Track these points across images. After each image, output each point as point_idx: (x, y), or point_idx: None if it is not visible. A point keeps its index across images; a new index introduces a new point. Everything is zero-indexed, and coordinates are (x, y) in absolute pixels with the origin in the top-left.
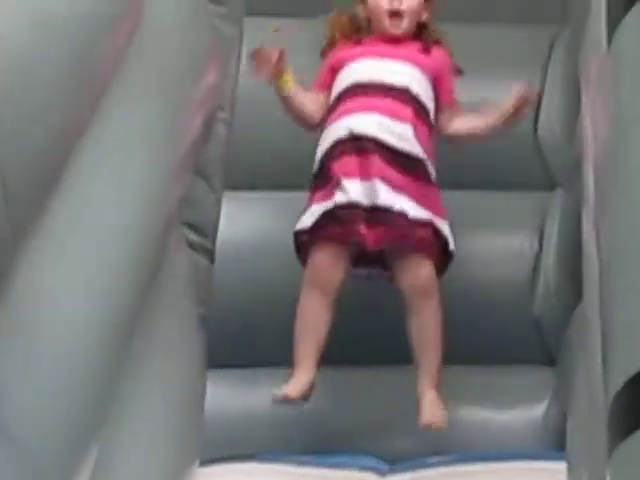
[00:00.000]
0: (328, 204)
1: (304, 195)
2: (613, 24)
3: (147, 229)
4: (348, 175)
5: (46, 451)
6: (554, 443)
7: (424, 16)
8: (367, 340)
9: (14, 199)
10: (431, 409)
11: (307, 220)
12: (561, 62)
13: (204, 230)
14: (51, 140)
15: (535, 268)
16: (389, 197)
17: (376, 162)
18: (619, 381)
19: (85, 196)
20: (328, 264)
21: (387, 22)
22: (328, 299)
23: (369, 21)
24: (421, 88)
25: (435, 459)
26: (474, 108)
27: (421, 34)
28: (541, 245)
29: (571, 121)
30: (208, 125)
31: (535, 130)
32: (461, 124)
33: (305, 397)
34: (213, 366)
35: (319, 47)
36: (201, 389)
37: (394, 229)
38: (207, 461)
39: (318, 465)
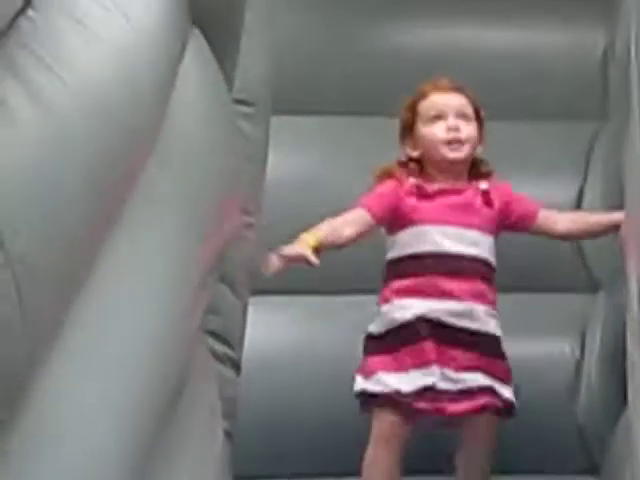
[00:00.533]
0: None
1: (331, 300)
2: None
3: (172, 344)
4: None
5: None
6: None
7: (479, 149)
8: None
9: (30, 314)
10: None
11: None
12: (603, 161)
13: (229, 339)
14: (71, 250)
15: (577, 374)
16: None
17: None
18: None
19: (106, 311)
20: (398, 422)
21: (445, 149)
22: (396, 455)
23: (421, 164)
24: (490, 252)
25: None
26: None
27: (475, 172)
28: (583, 350)
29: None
30: (235, 232)
31: None
32: (568, 219)
33: None
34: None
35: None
36: None
37: (474, 402)
38: None
39: None
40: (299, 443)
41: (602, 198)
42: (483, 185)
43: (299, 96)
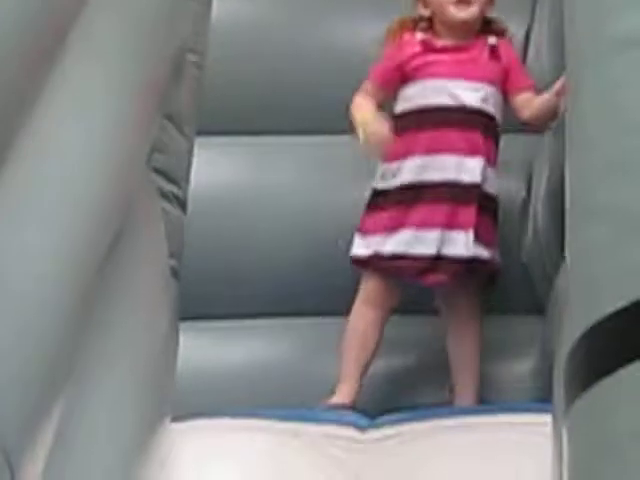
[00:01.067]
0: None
1: (278, 140)
2: None
3: (114, 182)
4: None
5: (7, 403)
6: (544, 391)
7: (489, 9)
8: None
9: None
10: None
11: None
12: (550, 3)
13: (176, 177)
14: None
15: (523, 214)
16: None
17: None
18: (576, 333)
19: (42, 152)
20: (385, 289)
21: (453, 8)
22: (380, 319)
23: (432, 21)
24: (495, 105)
25: (415, 413)
26: None
27: (487, 29)
28: (529, 190)
29: (560, 62)
30: (178, 67)
31: None
32: (534, 108)
33: (354, 403)
34: (186, 318)
35: None
36: (172, 343)
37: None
38: (179, 417)
39: (295, 419)
40: (249, 283)
41: (548, 38)
42: (492, 40)
43: None
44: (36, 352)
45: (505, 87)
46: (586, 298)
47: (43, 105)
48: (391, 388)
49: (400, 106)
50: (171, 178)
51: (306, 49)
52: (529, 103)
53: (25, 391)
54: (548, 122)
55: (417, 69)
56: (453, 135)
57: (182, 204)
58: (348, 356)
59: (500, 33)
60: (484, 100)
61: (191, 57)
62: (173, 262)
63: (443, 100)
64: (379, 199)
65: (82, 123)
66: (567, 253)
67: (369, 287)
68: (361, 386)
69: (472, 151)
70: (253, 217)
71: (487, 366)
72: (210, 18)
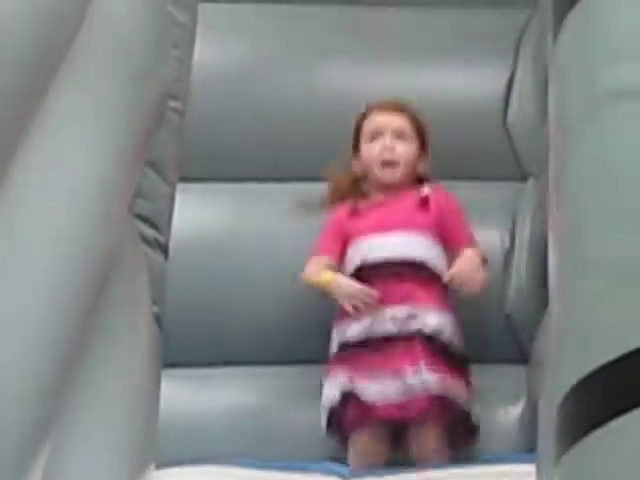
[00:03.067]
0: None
1: (259, 186)
2: (559, 18)
3: (98, 222)
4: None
5: None
6: (528, 441)
7: (421, 167)
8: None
9: None
10: None
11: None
12: (532, 48)
13: (157, 223)
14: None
15: (506, 264)
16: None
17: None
18: (568, 384)
19: (36, 187)
20: (372, 448)
21: (380, 171)
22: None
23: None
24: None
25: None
26: (442, 96)
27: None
28: (513, 240)
29: (543, 108)
30: (159, 114)
31: (505, 118)
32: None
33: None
34: (169, 365)
35: None
36: (156, 390)
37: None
38: (163, 464)
39: (278, 469)
40: (231, 329)
41: (532, 85)
42: (425, 190)
43: None
44: (22, 402)
45: (444, 241)
46: (578, 349)
47: (26, 154)
48: None
49: (347, 268)
50: (153, 224)
51: (287, 96)
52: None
53: (10, 441)
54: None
55: (350, 229)
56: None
57: (164, 249)
58: None
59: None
60: (414, 248)
61: (172, 103)
62: (156, 309)
63: (373, 255)
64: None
65: (67, 172)
66: (557, 304)
67: (358, 448)
68: None
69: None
70: (234, 263)
71: None
72: (191, 65)
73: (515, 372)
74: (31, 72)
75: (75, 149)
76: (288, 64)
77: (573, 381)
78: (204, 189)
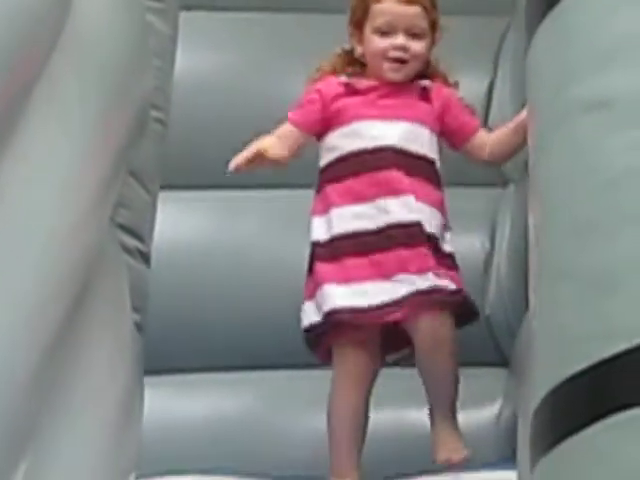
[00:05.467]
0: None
1: (242, 194)
2: (531, 28)
3: (78, 232)
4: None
5: None
6: (507, 444)
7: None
8: None
9: None
10: (448, 444)
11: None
12: (511, 54)
13: (139, 232)
14: None
15: (486, 267)
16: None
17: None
18: (541, 392)
19: (11, 202)
20: (362, 357)
21: (386, 65)
22: (364, 392)
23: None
24: (426, 145)
25: None
26: None
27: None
28: (493, 244)
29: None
30: (141, 123)
31: (485, 123)
32: (493, 141)
33: None
34: (149, 372)
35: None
36: (137, 400)
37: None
38: (143, 475)
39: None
40: (213, 336)
41: (511, 92)
42: (424, 82)
43: None
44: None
45: (450, 136)
46: (552, 357)
47: (6, 161)
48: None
49: (327, 158)
50: (135, 233)
51: (268, 104)
52: (485, 141)
53: None
54: (508, 158)
55: (339, 112)
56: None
57: (146, 258)
58: (340, 449)
59: (433, 76)
60: (411, 140)
61: (154, 113)
62: (137, 317)
63: (367, 143)
64: (319, 254)
65: (45, 180)
66: (534, 311)
67: (343, 363)
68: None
69: (394, 191)
70: (216, 270)
71: None
72: (173, 74)
73: (494, 374)
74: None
75: (52, 159)
76: (268, 72)
77: (546, 390)
78: (185, 197)
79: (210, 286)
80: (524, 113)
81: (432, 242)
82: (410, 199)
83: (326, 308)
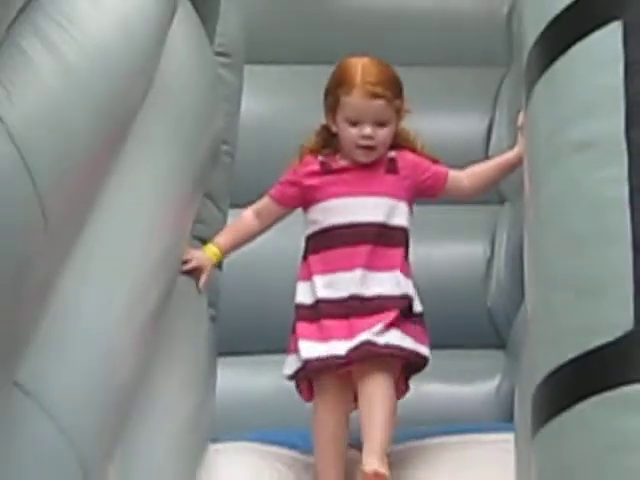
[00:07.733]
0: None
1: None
2: (530, 86)
3: (169, 243)
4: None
5: (85, 431)
6: (505, 414)
7: (400, 126)
8: None
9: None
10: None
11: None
12: (507, 97)
13: None
14: (79, 170)
15: (488, 269)
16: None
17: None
18: (540, 375)
19: (109, 235)
20: (338, 390)
21: (356, 151)
22: (345, 417)
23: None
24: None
25: None
26: (433, 139)
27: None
28: (493, 251)
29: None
30: (214, 155)
31: (486, 154)
32: (471, 175)
33: None
34: (225, 354)
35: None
36: (213, 375)
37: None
38: (216, 439)
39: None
40: (274, 325)
41: (507, 129)
42: (391, 153)
43: (267, 48)
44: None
45: (426, 191)
46: (549, 347)
47: (110, 193)
48: None
49: (309, 229)
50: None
51: None
52: (461, 177)
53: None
54: (489, 189)
55: (316, 189)
56: (350, 251)
57: (218, 264)
58: (325, 466)
59: (404, 144)
60: (383, 213)
61: (224, 147)
62: (212, 311)
63: (346, 218)
64: (303, 315)
65: (141, 207)
66: (531, 311)
67: (323, 391)
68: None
69: (368, 264)
70: (274, 274)
71: (457, 389)
72: (239, 115)
73: (493, 356)
74: (119, 123)
75: (148, 189)
76: (315, 113)
77: (545, 373)
78: None
79: (272, 286)
80: (508, 154)
81: (406, 304)
82: (386, 274)
83: (303, 357)
